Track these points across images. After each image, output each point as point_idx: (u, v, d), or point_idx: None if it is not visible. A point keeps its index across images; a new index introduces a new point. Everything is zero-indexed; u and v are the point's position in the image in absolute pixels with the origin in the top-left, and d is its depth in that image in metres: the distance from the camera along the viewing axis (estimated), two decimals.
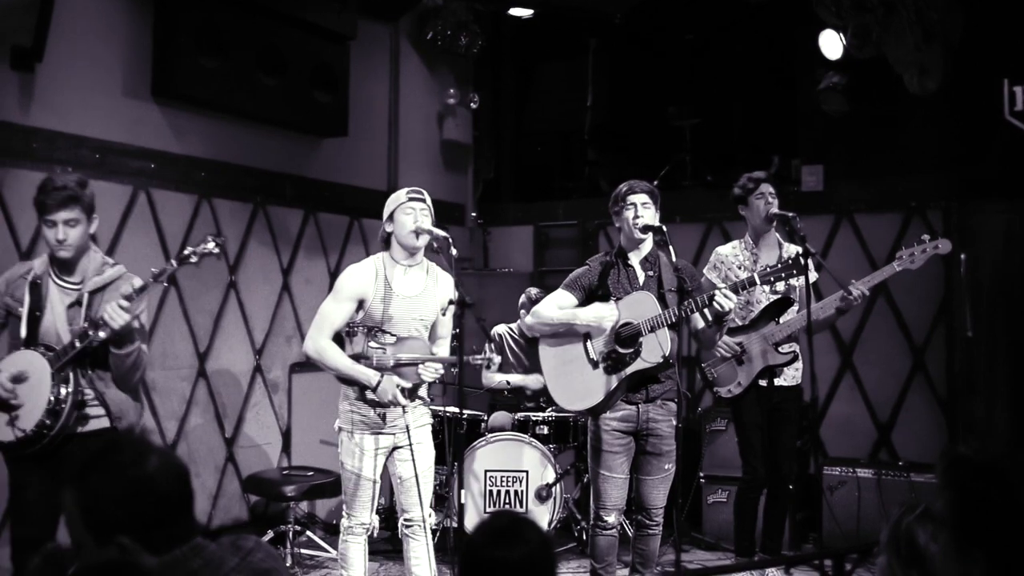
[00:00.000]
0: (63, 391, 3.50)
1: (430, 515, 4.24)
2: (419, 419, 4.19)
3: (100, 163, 5.25)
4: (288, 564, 5.40)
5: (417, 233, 4.07)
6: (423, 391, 4.21)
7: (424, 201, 4.14)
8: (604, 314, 4.22)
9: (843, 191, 6.90)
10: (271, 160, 6.31)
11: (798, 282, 4.91)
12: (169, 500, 1.91)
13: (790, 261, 4.19)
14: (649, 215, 4.25)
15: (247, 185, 6.18)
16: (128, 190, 5.44)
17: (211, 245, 3.66)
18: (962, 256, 5.77)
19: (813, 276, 4.91)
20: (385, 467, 4.19)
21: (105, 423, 3.64)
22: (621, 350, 4.21)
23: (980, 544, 1.71)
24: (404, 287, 4.13)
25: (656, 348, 4.14)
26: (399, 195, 4.18)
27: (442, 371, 4.11)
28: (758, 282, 4.16)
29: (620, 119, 8.48)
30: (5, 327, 3.73)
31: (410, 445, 4.10)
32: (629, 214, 4.26)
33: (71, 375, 3.54)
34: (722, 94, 7.92)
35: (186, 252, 3.66)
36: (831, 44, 6.55)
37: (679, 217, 6.98)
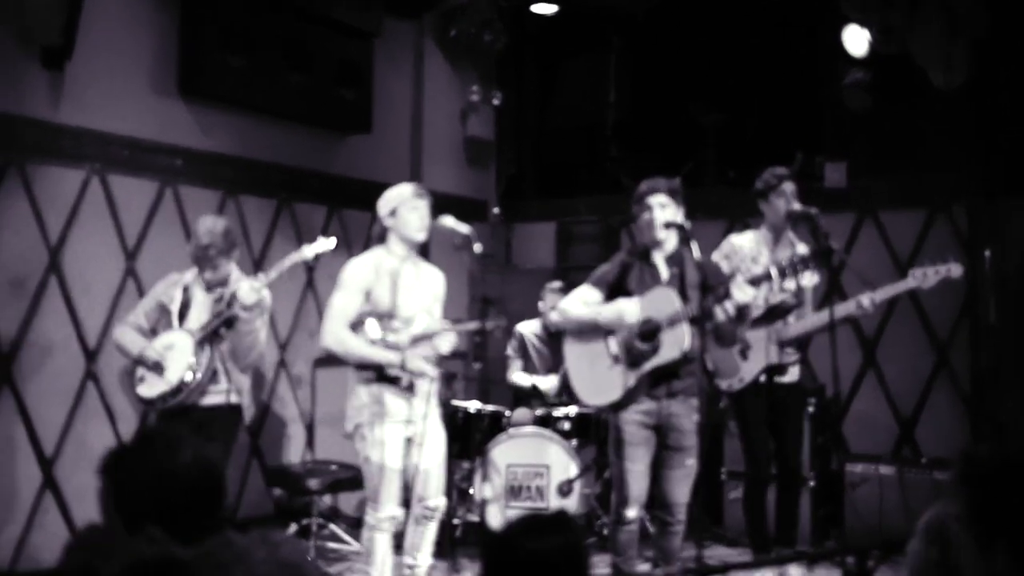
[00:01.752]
0: (201, 358, 4.37)
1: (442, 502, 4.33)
2: (431, 409, 4.25)
3: (128, 160, 5.32)
4: (311, 557, 5.45)
5: (436, 231, 4.21)
6: (431, 370, 4.25)
7: (427, 199, 4.27)
8: (625, 311, 4.23)
9: (867, 188, 6.85)
10: (296, 157, 6.36)
11: (809, 282, 4.90)
12: (198, 493, 1.94)
13: (807, 255, 4.16)
14: (670, 213, 4.26)
15: (272, 181, 6.23)
16: (155, 187, 5.51)
17: (327, 244, 4.57)
18: (987, 253, 5.73)
19: (814, 280, 4.91)
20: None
21: (222, 399, 4.44)
22: (641, 346, 4.22)
23: (1001, 535, 1.72)
24: (406, 280, 4.23)
25: (675, 344, 4.15)
26: (403, 192, 4.25)
27: (457, 342, 4.18)
28: (774, 275, 4.14)
29: (643, 116, 8.46)
30: (158, 320, 4.55)
31: (414, 435, 4.18)
32: (648, 215, 4.28)
33: (208, 348, 4.40)
34: (745, 91, 7.87)
35: (303, 250, 4.52)
36: (856, 39, 6.51)
37: (700, 214, 6.94)
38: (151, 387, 4.40)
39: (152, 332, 4.55)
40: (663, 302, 4.21)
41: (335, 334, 4.18)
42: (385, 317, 4.17)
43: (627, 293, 4.31)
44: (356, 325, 4.21)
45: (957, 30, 6.05)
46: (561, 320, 4.45)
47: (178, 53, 5.55)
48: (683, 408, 4.27)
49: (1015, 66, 6.15)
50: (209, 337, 4.42)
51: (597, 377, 4.34)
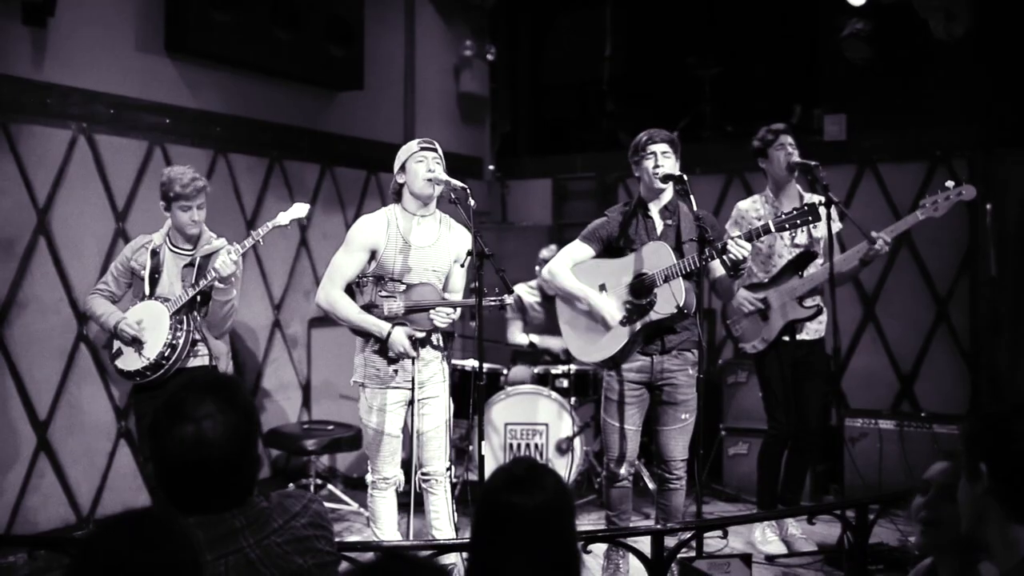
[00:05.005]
0: (179, 331, 4.27)
1: (449, 468, 4.24)
2: (435, 372, 4.16)
3: (115, 118, 5.22)
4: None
5: (432, 182, 4.02)
6: (440, 341, 4.18)
7: (436, 151, 4.10)
8: (610, 314, 4.18)
9: (866, 140, 6.79)
10: (287, 114, 6.27)
11: (821, 233, 4.85)
12: (191, 469, 1.90)
13: (806, 207, 4.10)
14: (669, 164, 4.19)
15: (263, 140, 6.14)
16: (144, 145, 5.42)
17: (302, 213, 4.39)
18: (988, 206, 5.67)
19: (837, 226, 4.84)
20: (405, 420, 4.18)
21: (206, 360, 4.38)
22: (636, 301, 4.17)
23: (984, 459, 1.86)
24: (418, 237, 4.09)
25: (670, 298, 4.10)
26: (411, 145, 4.13)
27: (454, 316, 4.09)
28: (772, 229, 4.08)
29: (639, 70, 8.35)
30: (131, 286, 4.49)
31: (413, 399, 4.11)
32: (649, 163, 4.20)
33: (185, 319, 4.31)
34: (742, 43, 7.77)
35: (279, 217, 4.33)
36: None
37: (699, 169, 6.90)
38: (129, 362, 4.32)
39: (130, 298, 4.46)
40: (658, 256, 4.15)
41: (327, 294, 4.11)
42: (388, 279, 4.06)
43: (625, 246, 4.26)
44: (361, 285, 4.13)
45: None
46: (551, 283, 4.41)
47: (164, 9, 5.43)
48: (678, 363, 4.23)
49: (1017, 17, 6.05)
50: (186, 308, 4.32)
51: (590, 334, 4.30)
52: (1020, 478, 1.80)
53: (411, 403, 4.14)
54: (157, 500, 4.26)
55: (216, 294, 4.29)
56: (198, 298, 4.33)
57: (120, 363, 4.36)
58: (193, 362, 4.35)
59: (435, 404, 4.14)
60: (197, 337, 4.34)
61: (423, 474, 4.18)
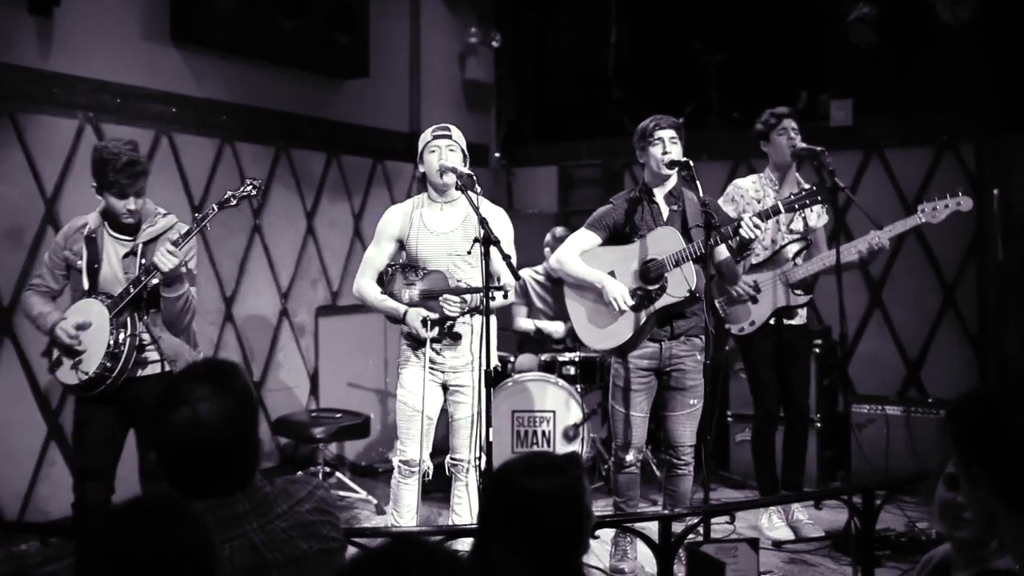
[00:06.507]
0: (121, 335, 3.71)
1: (480, 457, 4.23)
2: (468, 361, 4.15)
3: (121, 108, 5.23)
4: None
5: (441, 171, 4.05)
6: (464, 330, 4.14)
7: (450, 137, 4.12)
8: (621, 296, 4.17)
9: (873, 126, 6.77)
10: (292, 103, 6.27)
11: (818, 222, 4.87)
12: (221, 449, 1.92)
13: (814, 188, 4.10)
14: (676, 150, 4.19)
15: (269, 128, 6.15)
16: (150, 134, 5.43)
17: (250, 188, 3.82)
18: (995, 191, 5.65)
19: (824, 219, 4.87)
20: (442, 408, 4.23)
21: (159, 368, 3.84)
22: (647, 287, 4.18)
23: (979, 463, 1.76)
24: (437, 224, 4.14)
25: (682, 282, 4.11)
26: (426, 135, 4.18)
27: (464, 304, 4.08)
28: (782, 210, 4.10)
29: (644, 56, 8.32)
30: (68, 279, 3.91)
31: (445, 384, 4.14)
32: (656, 149, 4.20)
33: (128, 320, 3.74)
34: (748, 28, 7.74)
35: (227, 195, 3.80)
36: None
37: (705, 155, 6.88)
38: (68, 375, 3.77)
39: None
40: (667, 241, 4.16)
41: (358, 283, 4.27)
42: (410, 268, 4.16)
43: (631, 233, 4.26)
44: (387, 275, 4.21)
45: None
46: (560, 270, 4.41)
47: None
48: (686, 348, 4.24)
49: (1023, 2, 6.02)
50: (130, 306, 3.73)
51: (602, 322, 4.30)
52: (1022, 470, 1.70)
53: (444, 388, 4.18)
54: (146, 489, 3.86)
55: (164, 290, 3.72)
56: (143, 294, 3.74)
57: (59, 375, 3.82)
58: (143, 372, 3.81)
59: (466, 392, 4.15)
60: (145, 340, 3.79)
61: (452, 459, 4.23)
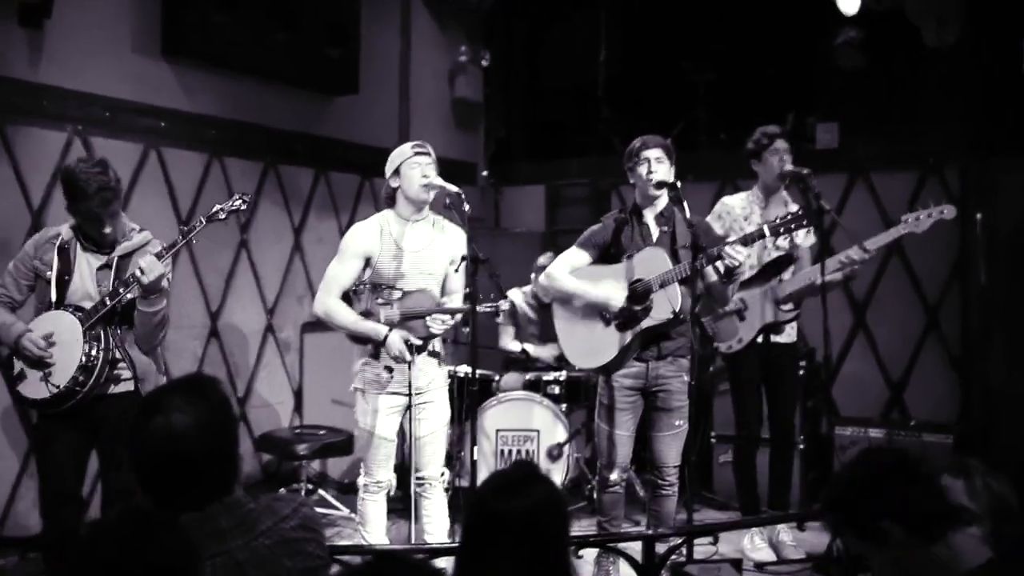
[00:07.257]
0: (95, 349, 3.62)
1: (443, 474, 4.24)
2: (434, 378, 4.16)
3: (111, 121, 5.23)
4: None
5: (427, 187, 4.02)
6: (439, 347, 4.17)
7: (429, 155, 4.08)
8: (613, 295, 4.19)
9: (858, 148, 6.81)
10: (282, 119, 6.27)
11: (805, 242, 4.90)
12: (165, 462, 1.91)
13: (800, 212, 4.12)
14: (663, 170, 4.20)
15: (258, 144, 6.15)
16: (139, 148, 5.42)
17: (239, 203, 3.80)
18: (978, 215, 5.70)
19: (811, 240, 4.90)
20: (401, 425, 4.18)
21: (131, 386, 3.75)
22: (632, 307, 4.19)
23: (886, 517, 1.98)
24: (411, 242, 4.08)
25: (666, 304, 4.11)
26: (404, 150, 4.12)
27: (451, 322, 4.08)
28: (767, 234, 4.09)
29: (634, 75, 8.37)
30: (34, 290, 3.80)
31: (410, 404, 4.09)
32: (643, 169, 4.21)
33: (102, 334, 3.66)
34: (737, 49, 7.80)
35: (215, 209, 3.77)
36: None
37: (692, 176, 6.91)
38: (33, 388, 3.64)
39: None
40: (654, 262, 4.17)
41: (323, 303, 4.09)
42: (384, 286, 4.04)
43: (619, 253, 4.27)
44: (358, 293, 4.10)
45: None
46: (549, 286, 4.40)
47: (161, 11, 5.43)
48: (673, 369, 4.24)
49: (1008, 24, 6.08)
50: (103, 320, 3.65)
51: (587, 340, 4.30)
52: (897, 507, 1.91)
53: (408, 408, 4.12)
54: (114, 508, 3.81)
55: (141, 304, 3.64)
56: (118, 308, 3.66)
57: (23, 389, 3.68)
58: (115, 389, 3.71)
59: (432, 409, 4.14)
60: (117, 356, 3.69)
61: (418, 479, 4.18)
